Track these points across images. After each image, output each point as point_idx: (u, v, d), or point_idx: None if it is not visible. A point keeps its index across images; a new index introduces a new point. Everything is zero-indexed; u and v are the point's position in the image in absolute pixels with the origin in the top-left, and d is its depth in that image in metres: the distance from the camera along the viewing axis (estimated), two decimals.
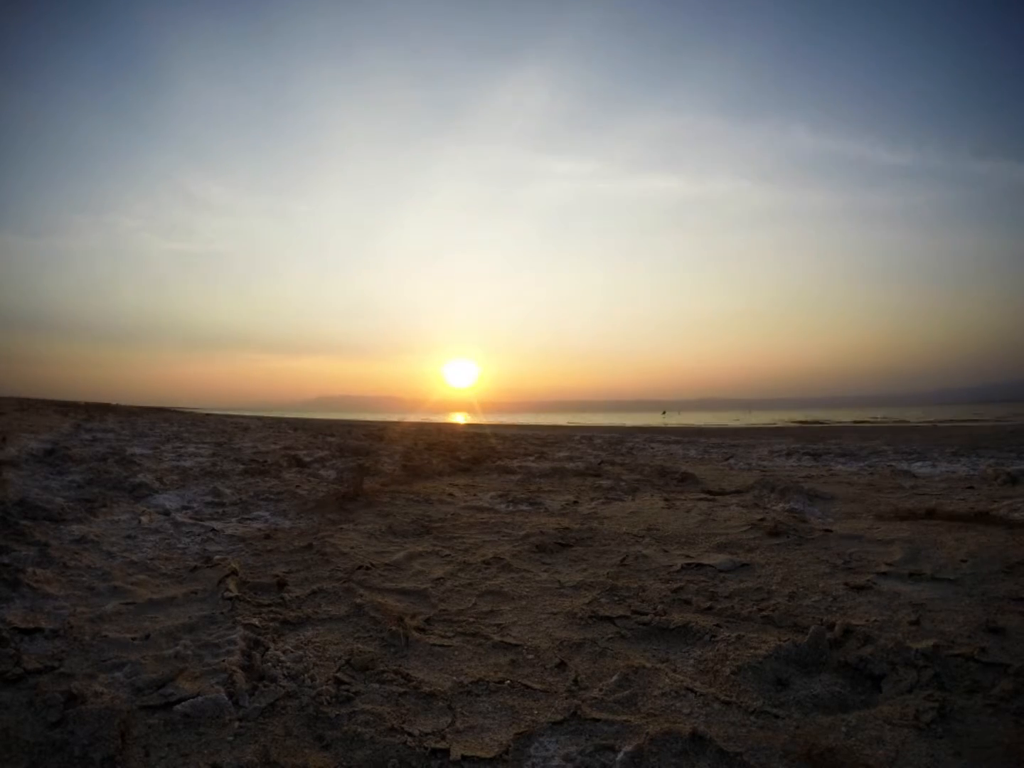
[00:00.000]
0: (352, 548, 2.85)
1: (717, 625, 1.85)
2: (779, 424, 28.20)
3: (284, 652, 1.65)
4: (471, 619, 1.97)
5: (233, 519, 3.53)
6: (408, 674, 1.54)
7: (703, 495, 4.74)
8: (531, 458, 7.98)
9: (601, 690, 1.48)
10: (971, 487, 4.77)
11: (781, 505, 3.94)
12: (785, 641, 1.66)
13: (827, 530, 3.08)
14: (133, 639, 1.71)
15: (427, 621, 1.93)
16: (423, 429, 18.27)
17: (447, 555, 2.78)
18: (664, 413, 70.58)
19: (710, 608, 2.01)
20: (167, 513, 3.52)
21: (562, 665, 1.63)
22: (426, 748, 1.23)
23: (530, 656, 1.69)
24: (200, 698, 1.35)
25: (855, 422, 28.75)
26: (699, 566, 2.50)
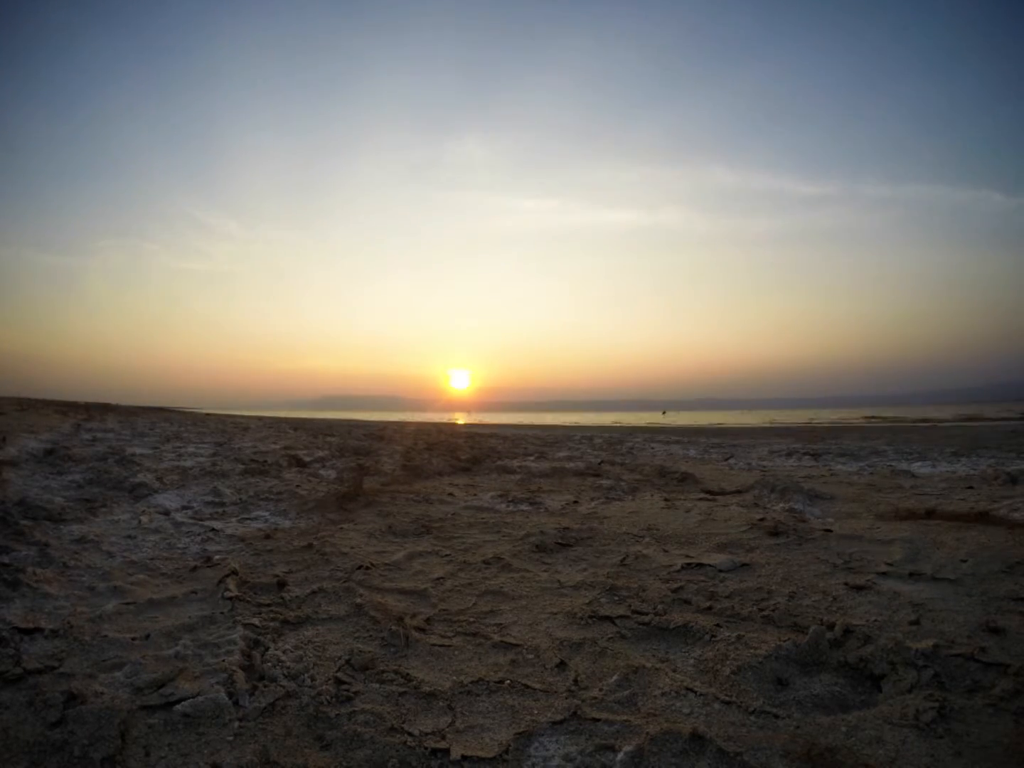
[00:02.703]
0: (352, 548, 2.85)
1: (717, 625, 1.85)
2: (779, 424, 28.20)
3: (284, 652, 1.65)
4: (471, 619, 1.97)
5: (233, 519, 3.53)
6: (408, 674, 1.54)
7: (703, 495, 4.74)
8: (531, 458, 7.98)
9: (601, 690, 1.48)
10: (971, 487, 4.77)
11: (781, 505, 3.94)
12: (785, 641, 1.66)
13: (827, 530, 3.08)
14: (133, 639, 1.71)
15: (427, 621, 1.93)
16: (423, 429, 18.27)
17: (447, 555, 2.77)
18: (664, 413, 70.63)
19: (710, 608, 2.01)
20: (167, 513, 3.52)
21: (562, 665, 1.62)
22: (426, 748, 1.23)
23: (530, 656, 1.68)
24: (200, 698, 1.35)
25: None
26: (699, 566, 2.50)
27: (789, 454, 8.85)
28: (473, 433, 16.17)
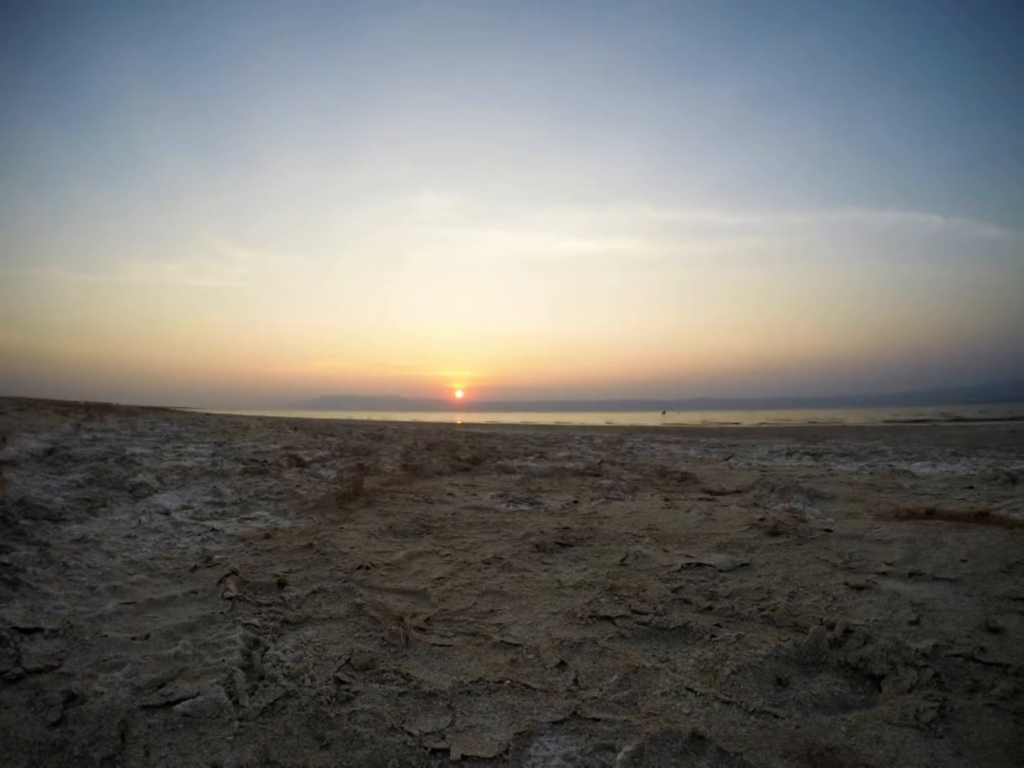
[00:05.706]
0: (352, 548, 2.85)
1: (717, 625, 1.85)
2: (779, 423, 28.20)
3: (284, 652, 1.65)
4: (471, 619, 1.97)
5: (233, 519, 3.53)
6: (408, 674, 1.54)
7: (703, 495, 4.74)
8: (531, 458, 7.98)
9: (601, 690, 1.48)
10: (971, 487, 4.77)
11: (781, 505, 3.94)
12: (785, 641, 1.66)
13: (827, 530, 3.08)
14: (133, 639, 1.71)
15: (427, 621, 1.93)
16: (423, 429, 18.27)
17: (447, 555, 2.77)
18: (664, 413, 70.71)
19: (710, 608, 2.01)
20: (167, 513, 3.52)
21: (562, 665, 1.62)
22: (426, 748, 1.23)
23: (530, 656, 1.68)
24: (200, 698, 1.35)
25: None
26: (699, 566, 2.50)
27: (789, 454, 8.85)
28: (473, 433, 16.16)
